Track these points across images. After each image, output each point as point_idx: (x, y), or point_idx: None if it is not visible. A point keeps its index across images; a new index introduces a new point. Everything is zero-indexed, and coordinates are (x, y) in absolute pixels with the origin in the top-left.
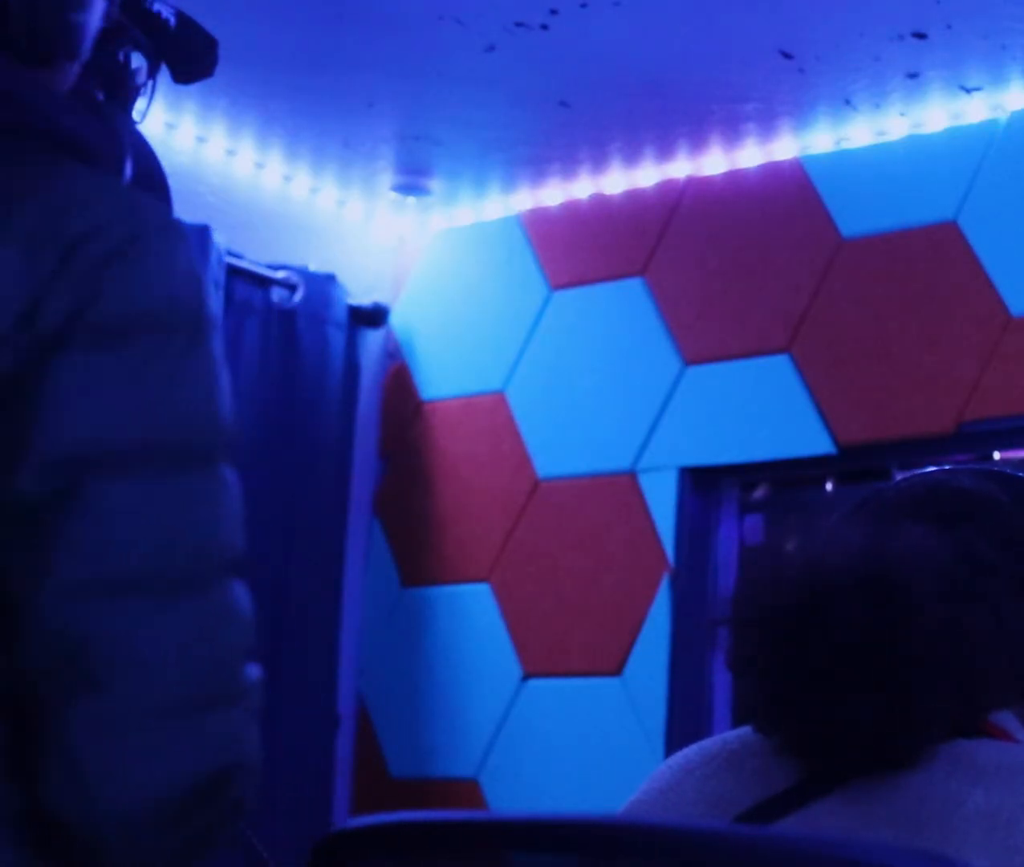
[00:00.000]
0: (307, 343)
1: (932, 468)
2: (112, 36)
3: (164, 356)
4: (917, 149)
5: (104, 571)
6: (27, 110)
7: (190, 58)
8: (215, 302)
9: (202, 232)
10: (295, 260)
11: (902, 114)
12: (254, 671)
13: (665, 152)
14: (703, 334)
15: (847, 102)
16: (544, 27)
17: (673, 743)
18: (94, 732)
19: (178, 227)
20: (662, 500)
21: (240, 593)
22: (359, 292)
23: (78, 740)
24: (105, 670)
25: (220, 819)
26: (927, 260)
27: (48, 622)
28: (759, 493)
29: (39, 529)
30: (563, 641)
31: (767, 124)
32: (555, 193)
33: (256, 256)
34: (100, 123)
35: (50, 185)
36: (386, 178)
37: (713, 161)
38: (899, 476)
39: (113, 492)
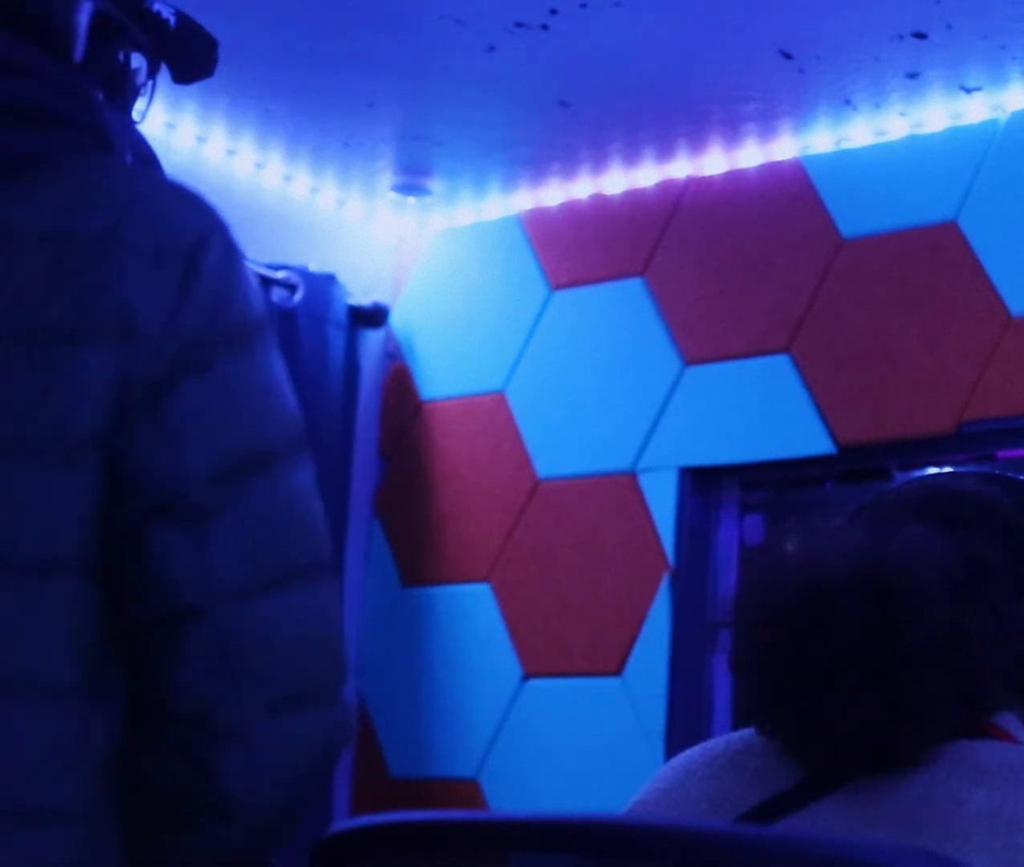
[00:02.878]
0: (307, 343)
1: (933, 470)
2: (112, 36)
3: (271, 355)
4: (917, 149)
5: (266, 569)
6: (80, 102)
7: (190, 58)
8: None
9: None
10: (295, 260)
11: (902, 114)
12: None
13: (665, 152)
14: (703, 334)
15: (847, 102)
16: (544, 27)
17: (673, 743)
18: (265, 715)
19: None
20: (662, 500)
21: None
22: (359, 292)
23: (253, 723)
24: (270, 662)
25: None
26: (927, 260)
27: (218, 626)
28: (759, 493)
29: (205, 536)
30: (563, 641)
31: (767, 124)
32: (555, 193)
33: (256, 256)
34: (111, 117)
35: (139, 194)
36: (386, 178)
37: (713, 161)
38: (899, 476)
39: (264, 492)
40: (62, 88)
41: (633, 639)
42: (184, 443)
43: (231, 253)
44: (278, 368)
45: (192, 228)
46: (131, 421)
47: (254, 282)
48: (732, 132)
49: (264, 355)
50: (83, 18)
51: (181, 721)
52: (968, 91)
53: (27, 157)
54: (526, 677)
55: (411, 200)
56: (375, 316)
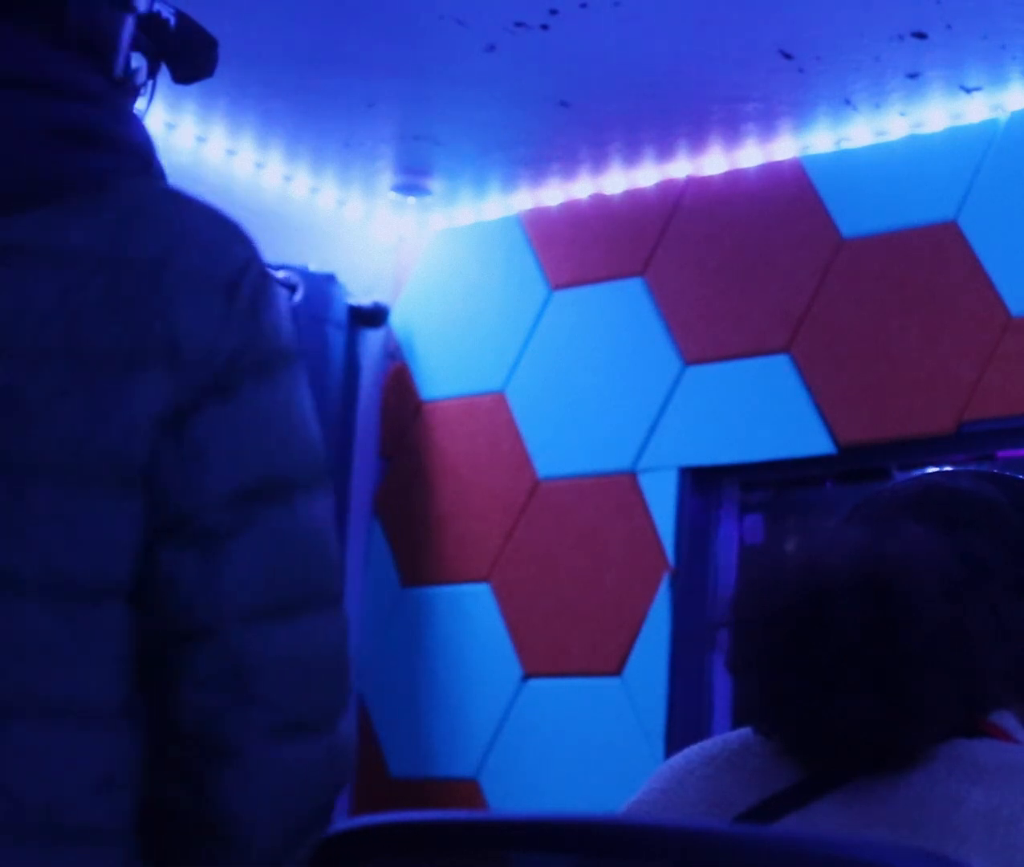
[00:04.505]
0: (307, 343)
1: (931, 469)
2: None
3: (297, 385)
4: (917, 149)
5: (278, 594)
6: (134, 128)
7: (190, 58)
8: None
9: None
10: (295, 260)
11: (902, 114)
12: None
13: (665, 152)
14: (703, 334)
15: (847, 102)
16: (544, 27)
17: (673, 743)
18: (266, 738)
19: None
20: (662, 500)
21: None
22: (359, 292)
23: (253, 746)
24: (275, 686)
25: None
26: (927, 260)
27: (228, 647)
28: (759, 493)
29: (219, 558)
30: (563, 641)
31: (767, 124)
32: (555, 193)
33: None
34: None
35: (191, 221)
36: (386, 178)
37: (713, 161)
38: (899, 476)
39: (280, 519)
40: (117, 111)
41: (633, 639)
42: (202, 465)
43: (266, 281)
44: (303, 398)
45: (235, 256)
46: (157, 443)
47: (285, 310)
48: (732, 132)
49: (290, 384)
50: (126, 35)
51: (184, 739)
52: (968, 91)
53: (84, 180)
54: (526, 677)
55: (411, 200)
56: (375, 316)
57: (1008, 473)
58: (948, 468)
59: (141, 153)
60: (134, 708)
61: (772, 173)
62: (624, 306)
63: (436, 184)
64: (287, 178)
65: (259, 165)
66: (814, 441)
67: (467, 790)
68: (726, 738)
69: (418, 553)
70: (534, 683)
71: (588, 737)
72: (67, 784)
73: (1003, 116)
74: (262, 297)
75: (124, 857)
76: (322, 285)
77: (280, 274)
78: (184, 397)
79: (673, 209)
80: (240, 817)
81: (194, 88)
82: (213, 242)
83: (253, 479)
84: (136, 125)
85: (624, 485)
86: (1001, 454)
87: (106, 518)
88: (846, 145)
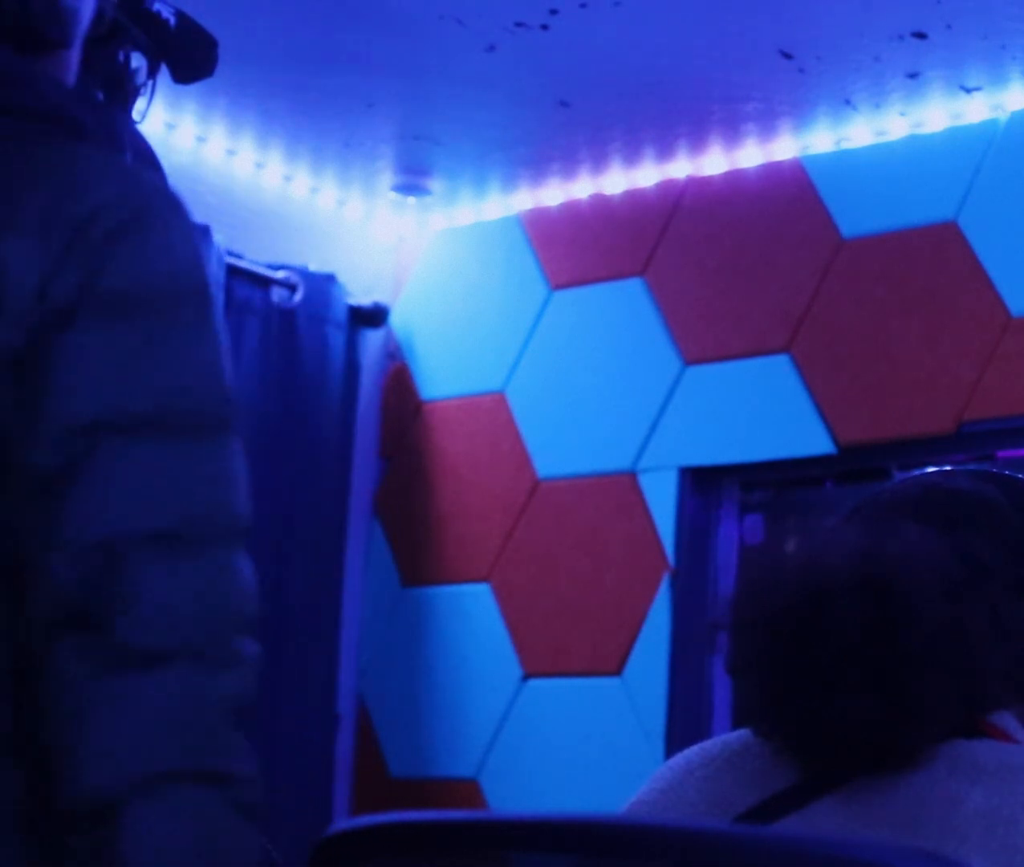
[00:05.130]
0: (307, 343)
1: (930, 469)
2: (112, 36)
3: (172, 328)
4: (917, 149)
5: (112, 532)
6: (26, 91)
7: (190, 58)
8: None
9: (202, 232)
10: (295, 260)
11: (902, 114)
12: (252, 646)
13: (665, 152)
14: (703, 334)
15: (847, 102)
16: (544, 27)
17: (673, 743)
18: (93, 670)
19: (179, 203)
20: (662, 500)
21: (244, 563)
22: (359, 292)
23: (79, 678)
24: (108, 617)
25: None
26: (927, 260)
27: (57, 583)
28: (759, 493)
29: (51, 497)
30: (563, 641)
31: (767, 124)
32: (555, 193)
33: (256, 256)
34: (97, 111)
35: (57, 167)
36: (386, 178)
37: (713, 161)
38: (899, 476)
39: (123, 457)
40: (14, 77)
41: (633, 639)
42: (35, 404)
43: (137, 225)
44: (175, 342)
45: (98, 196)
46: None
47: (171, 258)
48: (732, 132)
49: (150, 326)
50: (79, 4)
51: (29, 671)
52: (968, 91)
53: None
54: (526, 677)
55: (411, 200)
56: (375, 316)
57: (1008, 473)
58: (948, 468)
59: (48, 116)
60: None
61: (772, 173)
62: (624, 306)
63: (436, 184)
64: (287, 178)
65: (259, 165)
66: (814, 441)
67: (467, 790)
68: (726, 739)
69: (418, 553)
70: (534, 683)
71: (588, 737)
72: None
73: (1003, 116)
74: (127, 235)
75: None
76: (322, 285)
77: (280, 274)
78: (19, 341)
79: (673, 209)
80: (70, 749)
81: (194, 88)
82: (73, 184)
83: (86, 414)
84: (43, 87)
85: (624, 485)
86: (1001, 454)
87: None
88: (846, 145)
